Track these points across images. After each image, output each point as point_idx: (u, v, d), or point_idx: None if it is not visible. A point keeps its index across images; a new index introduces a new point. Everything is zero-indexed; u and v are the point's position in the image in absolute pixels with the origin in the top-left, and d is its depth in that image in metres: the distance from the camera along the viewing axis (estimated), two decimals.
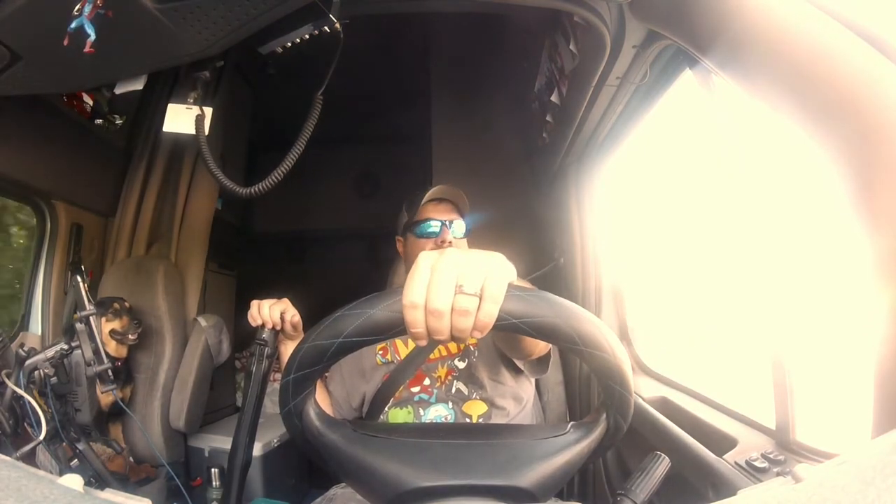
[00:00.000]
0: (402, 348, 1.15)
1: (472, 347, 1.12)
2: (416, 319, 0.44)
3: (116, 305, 1.63)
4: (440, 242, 1.14)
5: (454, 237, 1.16)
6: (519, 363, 1.08)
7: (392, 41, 2.23)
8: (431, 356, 1.13)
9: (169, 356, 1.80)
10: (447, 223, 1.16)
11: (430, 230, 1.16)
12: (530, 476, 0.51)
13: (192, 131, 1.24)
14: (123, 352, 1.64)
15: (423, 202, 1.18)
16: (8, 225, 1.68)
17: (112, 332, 1.60)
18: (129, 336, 1.62)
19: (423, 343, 0.46)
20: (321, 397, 1.14)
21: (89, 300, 1.04)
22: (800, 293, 0.82)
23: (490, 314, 0.45)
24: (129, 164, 1.94)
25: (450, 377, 1.11)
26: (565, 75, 1.33)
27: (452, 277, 0.44)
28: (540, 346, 0.92)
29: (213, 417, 2.09)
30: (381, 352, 1.16)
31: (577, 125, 1.39)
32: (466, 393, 1.09)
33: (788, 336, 0.83)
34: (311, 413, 0.55)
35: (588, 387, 1.51)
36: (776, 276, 0.84)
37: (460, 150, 2.16)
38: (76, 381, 1.05)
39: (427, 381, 1.11)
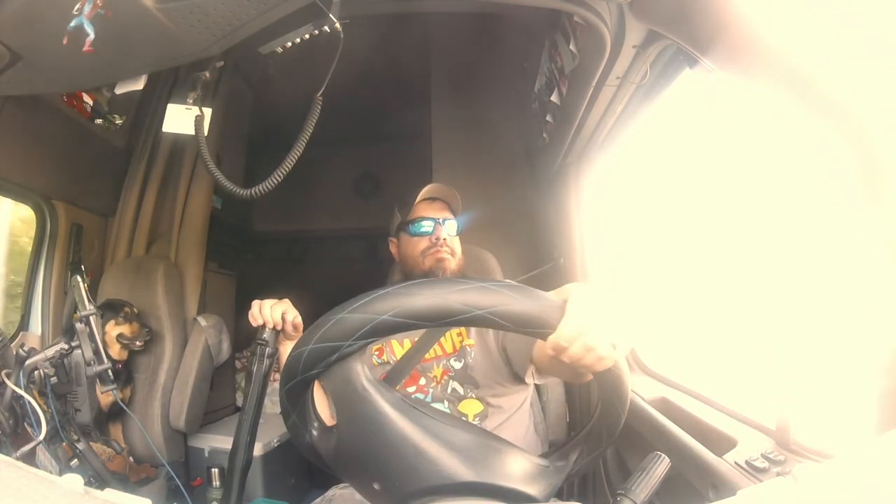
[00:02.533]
0: (398, 348, 1.15)
1: (468, 348, 1.12)
2: (572, 338, 0.51)
3: (127, 310, 1.63)
4: (434, 240, 1.17)
5: (447, 235, 1.18)
6: (527, 373, 1.08)
7: (392, 41, 2.23)
8: (427, 356, 1.12)
9: (169, 356, 1.80)
10: (440, 221, 1.19)
11: (424, 229, 1.18)
12: (536, 486, 0.55)
13: (192, 132, 1.24)
14: (125, 355, 1.64)
15: (416, 201, 1.20)
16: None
17: (120, 336, 1.60)
18: (137, 343, 1.62)
19: (553, 354, 0.52)
20: (319, 397, 1.14)
21: (89, 300, 1.04)
22: (800, 292, 0.82)
23: (606, 367, 0.54)
24: (129, 164, 1.94)
25: (445, 377, 1.11)
26: (565, 75, 1.33)
27: (610, 327, 0.52)
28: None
29: (213, 417, 2.09)
30: (377, 352, 1.16)
31: (577, 125, 1.39)
32: (462, 392, 1.09)
33: (789, 336, 0.83)
34: (359, 364, 0.52)
35: (587, 387, 1.51)
36: (777, 275, 0.84)
37: (460, 150, 2.15)
38: (76, 381, 1.05)
39: (423, 381, 1.11)
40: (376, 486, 0.54)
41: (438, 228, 1.18)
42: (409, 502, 0.51)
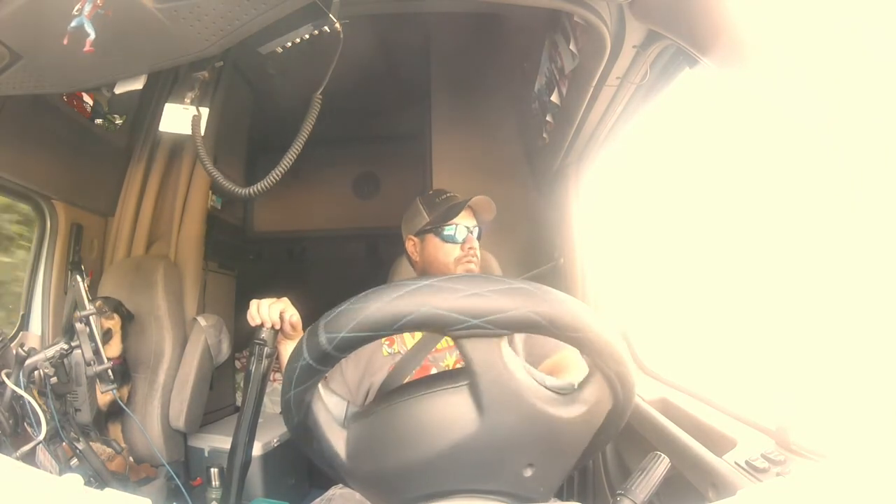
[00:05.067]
0: (409, 339, 1.15)
1: None
2: None
3: (99, 304, 1.63)
4: (468, 249, 1.17)
5: (475, 244, 1.20)
6: None
7: (392, 41, 2.23)
8: (439, 346, 1.12)
9: (169, 356, 1.81)
10: (472, 229, 1.19)
11: (460, 237, 1.18)
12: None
13: (188, 131, 1.24)
14: (114, 351, 1.63)
15: (453, 206, 1.19)
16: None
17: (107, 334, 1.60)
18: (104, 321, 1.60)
19: None
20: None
21: (89, 300, 1.04)
22: (801, 292, 0.82)
23: None
24: (129, 164, 1.94)
25: (458, 366, 1.11)
26: (565, 75, 1.33)
27: None
28: None
29: (212, 417, 2.09)
30: (387, 342, 1.16)
31: (577, 125, 1.39)
32: None
33: (789, 336, 0.83)
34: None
35: None
36: (778, 275, 0.84)
37: (460, 150, 2.16)
38: (76, 380, 1.05)
39: (434, 371, 1.11)
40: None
41: (470, 238, 1.18)
42: None
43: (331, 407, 0.55)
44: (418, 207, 1.25)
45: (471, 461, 0.50)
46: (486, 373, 0.48)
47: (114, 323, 1.65)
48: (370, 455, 0.53)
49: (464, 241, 1.18)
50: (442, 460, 0.50)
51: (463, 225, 1.19)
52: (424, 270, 1.24)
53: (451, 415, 0.50)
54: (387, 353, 1.15)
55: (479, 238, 1.23)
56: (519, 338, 1.13)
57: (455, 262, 1.18)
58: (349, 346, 0.46)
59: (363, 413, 0.55)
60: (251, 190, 1.13)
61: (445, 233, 1.18)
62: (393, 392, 0.54)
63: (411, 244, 1.25)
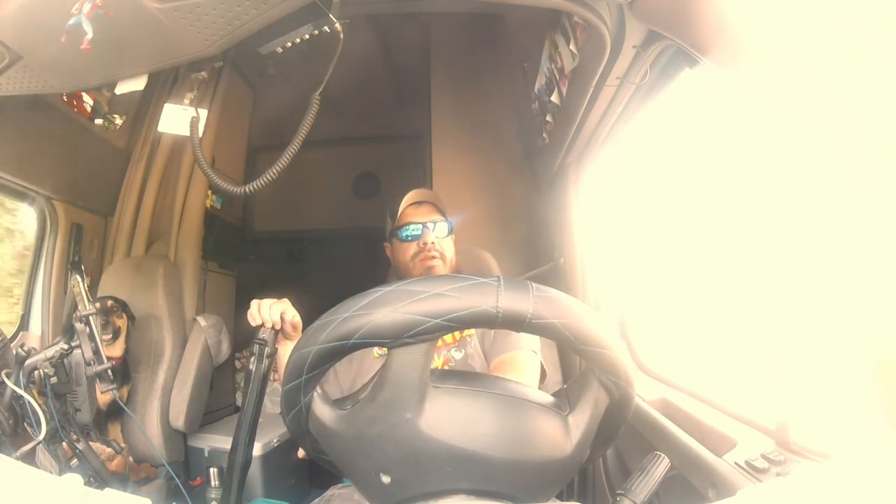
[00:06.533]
0: None
1: (468, 338, 1.13)
2: None
3: (110, 303, 1.63)
4: (422, 244, 1.17)
5: (437, 237, 1.19)
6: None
7: (392, 41, 2.23)
8: None
9: (168, 356, 1.81)
10: (428, 225, 1.19)
11: (412, 234, 1.19)
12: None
13: (187, 132, 1.24)
14: (117, 351, 1.63)
15: (402, 207, 1.22)
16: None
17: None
18: (115, 320, 1.61)
19: None
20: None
21: (89, 300, 1.04)
22: (801, 292, 0.82)
23: None
24: (129, 164, 1.95)
25: (446, 367, 1.11)
26: (565, 75, 1.33)
27: None
28: None
29: (212, 417, 2.09)
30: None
31: (577, 125, 1.39)
32: None
33: (789, 336, 0.83)
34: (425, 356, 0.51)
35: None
36: (778, 275, 0.84)
37: (460, 150, 2.16)
38: (76, 380, 1.05)
39: None
40: (385, 479, 0.51)
41: (426, 233, 1.18)
42: (419, 501, 0.50)
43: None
44: (386, 216, 1.28)
45: (534, 479, 0.53)
46: (595, 419, 0.54)
47: (123, 322, 1.65)
48: (453, 426, 0.49)
49: (420, 238, 1.18)
50: (516, 468, 0.51)
51: (416, 222, 1.19)
52: (396, 272, 1.27)
53: (544, 434, 0.52)
54: (377, 355, 1.15)
55: (449, 232, 1.23)
56: (490, 332, 1.14)
57: (411, 260, 1.19)
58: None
59: (458, 380, 0.53)
60: (247, 189, 1.14)
61: (401, 233, 1.21)
62: (487, 379, 0.56)
63: (388, 251, 1.30)
